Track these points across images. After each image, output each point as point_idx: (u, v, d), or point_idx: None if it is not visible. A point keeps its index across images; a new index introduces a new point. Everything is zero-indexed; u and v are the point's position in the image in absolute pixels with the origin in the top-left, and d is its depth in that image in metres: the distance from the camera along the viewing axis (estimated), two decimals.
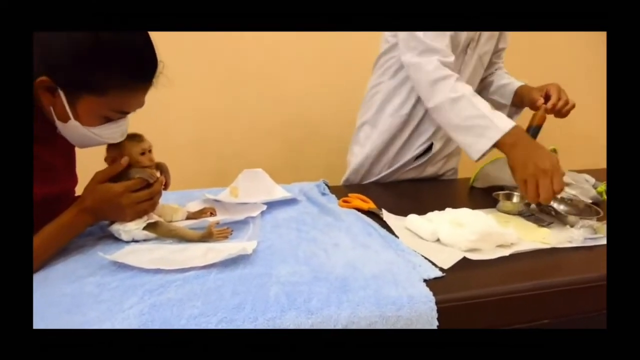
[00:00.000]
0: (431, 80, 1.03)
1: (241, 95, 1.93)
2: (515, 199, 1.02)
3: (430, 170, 1.33)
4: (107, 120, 0.73)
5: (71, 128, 0.72)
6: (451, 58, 1.05)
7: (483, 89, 1.32)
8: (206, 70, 1.88)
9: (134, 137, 0.79)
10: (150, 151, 0.80)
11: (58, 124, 0.72)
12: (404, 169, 1.30)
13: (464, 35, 1.13)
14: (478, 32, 1.15)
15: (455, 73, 1.05)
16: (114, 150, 0.77)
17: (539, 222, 0.91)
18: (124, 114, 0.75)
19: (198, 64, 1.86)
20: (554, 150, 1.12)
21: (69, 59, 0.66)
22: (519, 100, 1.23)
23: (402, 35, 1.11)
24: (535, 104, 1.09)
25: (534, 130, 1.01)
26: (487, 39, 1.18)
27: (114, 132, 0.75)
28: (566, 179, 1.01)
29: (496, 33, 1.21)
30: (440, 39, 1.05)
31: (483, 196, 1.12)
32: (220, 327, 0.52)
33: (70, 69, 0.66)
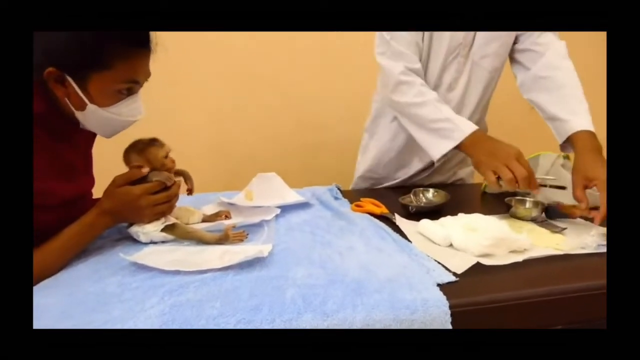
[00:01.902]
0: (397, 82, 1.10)
1: (254, 99, 1.96)
2: (528, 205, 1.02)
3: (438, 179, 1.34)
4: (121, 95, 0.75)
5: (91, 114, 0.74)
6: (417, 65, 1.11)
7: (543, 102, 1.09)
8: (219, 75, 1.90)
9: (155, 142, 0.81)
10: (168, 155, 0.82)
11: (78, 115, 0.74)
12: (407, 182, 1.31)
13: (444, 42, 1.11)
14: (469, 37, 1.12)
15: (421, 79, 1.11)
16: (140, 157, 0.79)
17: (552, 228, 0.91)
18: (134, 83, 0.76)
19: (211, 69, 1.88)
20: (567, 157, 1.12)
21: (69, 42, 0.68)
22: (566, 150, 1.05)
23: (377, 37, 1.15)
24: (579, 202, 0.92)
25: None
26: (485, 42, 1.12)
27: (132, 108, 0.77)
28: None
29: (501, 33, 1.12)
30: (407, 46, 1.10)
31: (495, 202, 1.12)
32: (238, 327, 0.54)
33: (72, 51, 0.68)
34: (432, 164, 1.28)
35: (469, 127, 1.01)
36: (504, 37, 1.14)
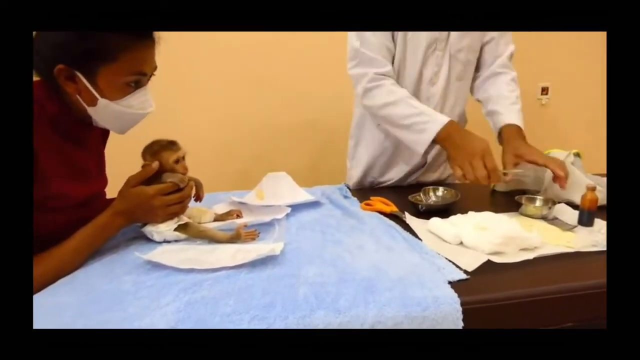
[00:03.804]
0: (364, 89, 1.13)
1: (262, 99, 1.97)
2: (538, 203, 1.02)
3: (432, 177, 1.34)
4: (129, 87, 0.76)
5: (102, 109, 0.75)
6: (386, 68, 1.13)
7: (485, 100, 1.23)
8: (228, 75, 1.92)
9: (171, 146, 0.82)
10: (184, 158, 0.84)
11: (90, 111, 0.75)
12: (403, 182, 1.31)
13: (422, 37, 1.12)
14: (445, 31, 1.13)
15: (391, 80, 1.13)
16: (152, 158, 0.81)
17: (563, 226, 0.91)
18: (141, 75, 0.77)
19: (219, 70, 1.90)
20: (577, 154, 1.11)
21: (75, 35, 0.69)
22: (502, 142, 1.13)
23: (348, 52, 1.17)
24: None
25: (587, 215, 0.92)
26: (459, 36, 1.14)
27: (141, 101, 0.78)
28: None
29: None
30: (376, 50, 1.12)
31: (505, 200, 1.12)
32: (252, 324, 0.55)
33: (78, 45, 0.69)
34: (424, 162, 1.29)
35: (443, 119, 1.05)
36: (474, 32, 1.17)
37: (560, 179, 0.98)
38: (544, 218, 0.96)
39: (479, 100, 1.27)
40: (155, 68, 0.80)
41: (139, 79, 0.76)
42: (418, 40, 1.14)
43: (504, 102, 1.17)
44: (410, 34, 1.13)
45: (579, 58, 2.21)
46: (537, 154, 1.02)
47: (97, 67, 0.72)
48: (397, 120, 1.11)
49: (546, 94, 2.23)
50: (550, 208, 0.97)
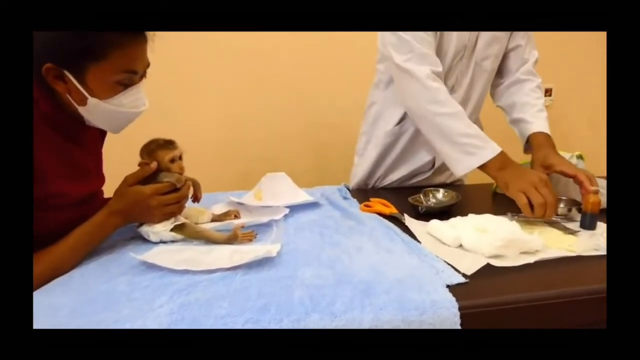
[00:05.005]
0: (423, 87, 1.04)
1: (264, 99, 1.96)
2: (562, 204, 0.99)
3: (438, 180, 1.33)
4: (119, 86, 0.74)
5: (93, 108, 0.74)
6: (440, 68, 1.07)
7: (509, 107, 1.20)
8: (230, 75, 1.91)
9: (167, 145, 0.82)
10: (180, 158, 0.83)
11: (81, 110, 0.74)
12: (406, 182, 1.30)
13: (452, 44, 1.11)
14: (473, 38, 1.12)
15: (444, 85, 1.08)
16: (148, 157, 0.81)
17: (565, 230, 0.90)
18: (132, 73, 0.75)
19: (222, 69, 1.89)
20: (580, 157, 1.10)
21: (63, 33, 0.68)
22: (529, 151, 1.12)
23: (389, 38, 1.09)
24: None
25: (590, 218, 0.90)
26: (487, 43, 1.13)
27: (134, 99, 0.76)
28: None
29: (502, 35, 1.15)
30: (428, 47, 1.06)
31: (506, 202, 1.10)
32: (246, 327, 0.54)
33: (66, 43, 0.68)
34: (432, 164, 1.28)
35: (496, 147, 0.99)
36: (503, 40, 1.16)
37: (587, 194, 0.91)
38: (568, 219, 0.95)
39: (500, 107, 1.24)
40: (147, 65, 0.78)
41: (129, 77, 0.75)
42: (448, 46, 1.11)
43: (531, 109, 1.14)
44: (444, 40, 1.10)
45: (582, 59, 2.19)
46: (566, 164, 0.99)
47: (86, 65, 0.71)
48: (450, 133, 1.02)
49: (549, 95, 2.21)
50: (570, 210, 0.96)
